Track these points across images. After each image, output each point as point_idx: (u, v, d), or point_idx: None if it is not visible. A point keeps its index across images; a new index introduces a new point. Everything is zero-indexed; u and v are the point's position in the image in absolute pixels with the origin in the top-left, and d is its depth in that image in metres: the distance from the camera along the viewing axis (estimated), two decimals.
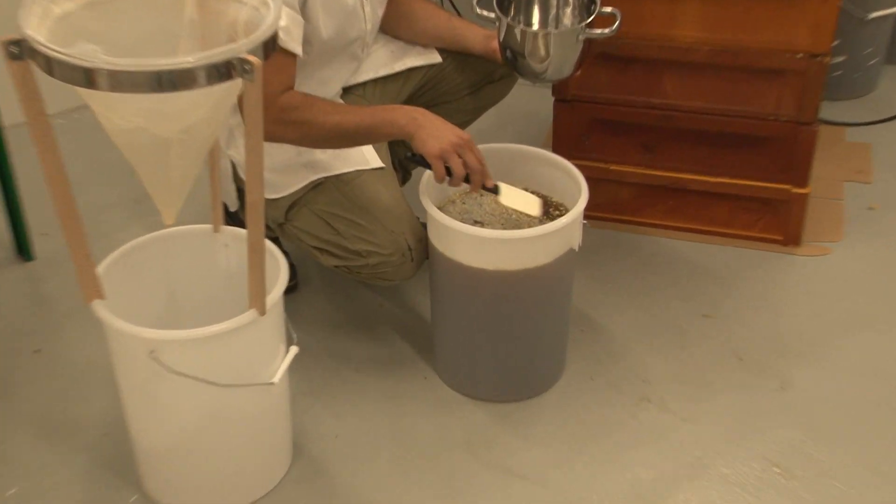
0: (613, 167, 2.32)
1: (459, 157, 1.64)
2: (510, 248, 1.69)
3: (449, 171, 1.66)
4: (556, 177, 1.87)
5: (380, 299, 2.15)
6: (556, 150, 2.22)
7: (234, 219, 2.02)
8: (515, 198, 1.72)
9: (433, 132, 1.62)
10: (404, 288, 2.16)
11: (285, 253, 1.96)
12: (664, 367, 1.96)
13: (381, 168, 1.85)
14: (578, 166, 1.84)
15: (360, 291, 2.17)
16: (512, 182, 1.85)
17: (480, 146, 1.73)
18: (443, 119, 1.65)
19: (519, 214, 1.77)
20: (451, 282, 1.77)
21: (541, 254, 1.70)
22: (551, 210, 1.85)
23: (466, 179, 1.67)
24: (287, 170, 1.84)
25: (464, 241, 1.69)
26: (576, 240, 1.75)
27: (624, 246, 2.32)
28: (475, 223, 1.78)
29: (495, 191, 1.71)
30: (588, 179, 1.79)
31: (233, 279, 1.67)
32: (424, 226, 1.82)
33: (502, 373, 1.84)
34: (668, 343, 2.02)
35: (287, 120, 1.64)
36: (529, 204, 1.75)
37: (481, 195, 1.79)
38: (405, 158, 1.72)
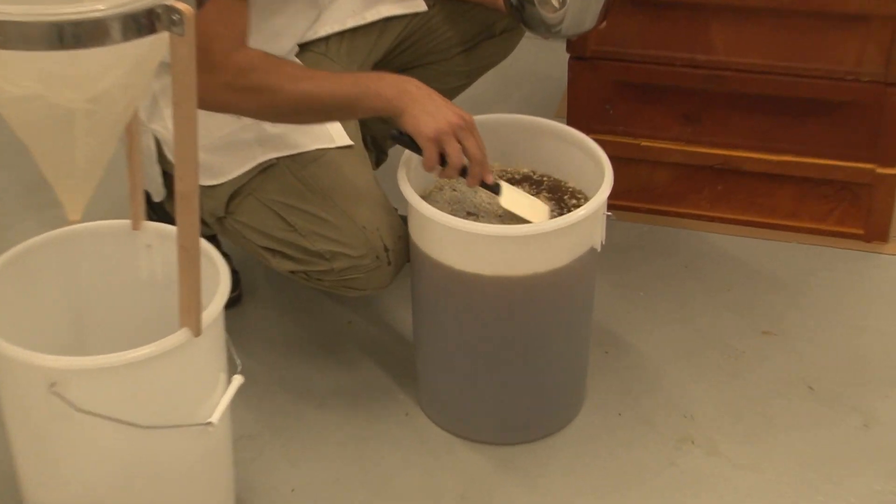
0: (646, 143, 2.33)
1: (459, 142, 1.67)
2: (514, 247, 1.70)
3: (443, 160, 1.68)
4: (571, 156, 1.88)
5: (348, 314, 2.17)
6: (571, 121, 2.24)
7: (159, 212, 2.02)
8: (518, 200, 1.77)
9: (428, 108, 1.65)
10: (379, 299, 2.18)
11: (226, 256, 2.02)
12: (712, 399, 1.98)
13: (349, 146, 1.87)
14: (601, 142, 1.85)
15: (323, 304, 2.19)
16: (516, 164, 1.90)
17: (474, 118, 1.75)
18: (440, 94, 1.69)
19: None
20: (438, 291, 1.79)
21: (553, 255, 1.72)
22: (566, 198, 1.86)
23: (463, 173, 1.70)
24: (228, 148, 1.85)
25: (455, 238, 1.70)
26: (598, 236, 1.76)
27: (659, 244, 2.34)
28: (468, 216, 1.80)
29: (495, 189, 1.75)
30: (613, 159, 1.80)
31: (158, 290, 1.67)
32: (405, 219, 1.82)
33: (505, 407, 1.86)
34: (716, 368, 2.04)
35: (243, 85, 1.65)
36: (536, 210, 1.78)
37: (476, 191, 1.83)
38: (390, 136, 1.74)
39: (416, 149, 1.68)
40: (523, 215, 1.75)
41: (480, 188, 1.76)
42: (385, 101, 1.65)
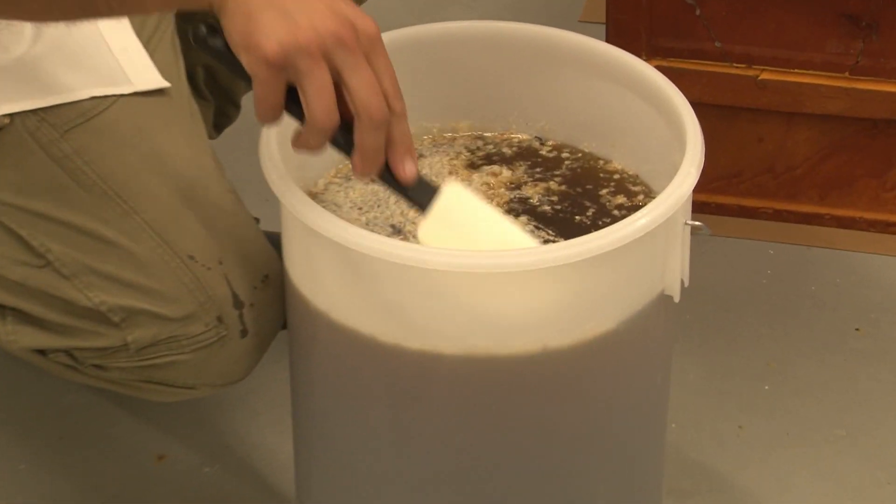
0: (770, 76, 1.91)
1: (337, 72, 1.24)
2: (502, 295, 1.30)
3: (296, 104, 1.26)
4: (617, 105, 1.49)
5: (159, 441, 1.77)
6: (615, 34, 1.89)
7: None
8: (464, 225, 1.34)
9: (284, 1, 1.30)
10: (224, 408, 1.80)
11: None
12: None
13: (159, 91, 1.52)
14: (678, 75, 1.50)
15: (108, 421, 1.80)
16: (504, 122, 1.56)
17: (415, 29, 1.45)
18: None
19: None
20: (348, 390, 1.41)
21: (584, 310, 1.33)
22: (605, 194, 1.49)
23: (341, 145, 1.26)
24: None
25: (378, 278, 1.30)
26: (675, 270, 1.36)
27: (803, 282, 1.93)
28: (394, 233, 1.44)
29: (419, 197, 1.32)
30: (703, 109, 1.39)
31: None
32: (276, 242, 1.43)
33: None
34: None
35: None
36: (497, 237, 1.37)
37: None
38: (192, 38, 1.29)
39: (246, 75, 1.27)
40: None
41: (386, 186, 1.34)
42: None
